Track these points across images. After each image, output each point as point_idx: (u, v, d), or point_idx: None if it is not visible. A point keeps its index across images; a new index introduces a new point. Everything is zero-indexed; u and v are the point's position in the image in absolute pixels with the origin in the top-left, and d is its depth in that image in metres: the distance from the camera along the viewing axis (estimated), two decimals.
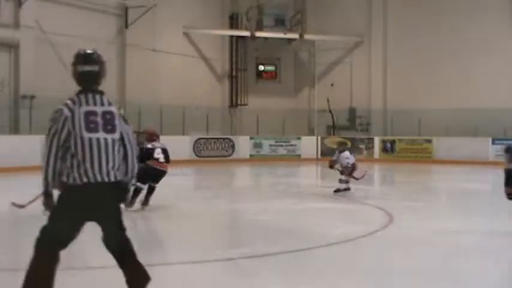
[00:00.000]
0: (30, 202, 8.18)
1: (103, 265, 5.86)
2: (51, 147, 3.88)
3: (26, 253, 6.53)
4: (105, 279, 5.47)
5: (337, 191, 11.82)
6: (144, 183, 9.32)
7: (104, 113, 3.88)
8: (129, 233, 6.48)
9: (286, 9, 27.17)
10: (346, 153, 11.97)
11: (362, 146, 25.13)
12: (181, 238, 7.44)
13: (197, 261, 5.92)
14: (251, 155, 24.41)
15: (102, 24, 21.52)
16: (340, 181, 11.86)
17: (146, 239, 7.15)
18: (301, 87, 28.54)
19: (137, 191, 9.18)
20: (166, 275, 5.50)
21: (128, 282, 4.24)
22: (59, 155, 3.89)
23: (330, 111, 26.43)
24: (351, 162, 11.82)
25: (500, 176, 8.40)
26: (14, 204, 8.50)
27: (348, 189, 11.89)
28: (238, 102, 26.88)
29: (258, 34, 26.06)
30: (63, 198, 4.00)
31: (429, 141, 24.06)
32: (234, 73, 26.95)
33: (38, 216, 9.03)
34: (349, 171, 11.81)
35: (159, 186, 12.85)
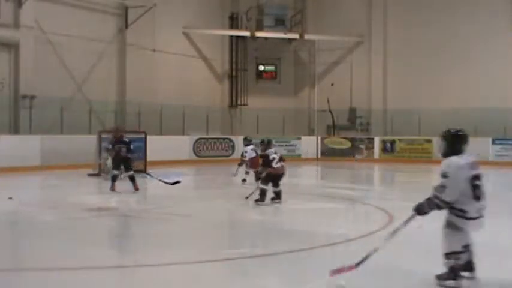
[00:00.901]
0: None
1: (98, 265, 5.86)
2: None
3: (26, 253, 6.55)
4: (101, 278, 5.47)
5: (243, 180, 13.85)
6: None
7: None
8: (130, 233, 6.48)
9: (286, 9, 27.16)
10: (246, 148, 14.10)
11: (362, 146, 25.14)
12: (181, 238, 7.43)
13: (197, 261, 5.92)
14: None
15: (102, 24, 21.51)
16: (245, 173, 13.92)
17: (146, 239, 7.15)
18: (301, 87, 28.54)
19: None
20: (166, 275, 5.50)
21: None
22: None
23: (330, 111, 26.43)
24: (248, 157, 13.75)
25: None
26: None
27: (244, 180, 13.79)
28: (238, 102, 26.88)
29: (258, 34, 26.05)
30: None
31: (429, 141, 24.04)
32: (234, 73, 26.94)
33: (37, 217, 9.03)
34: (244, 163, 13.89)
35: (159, 187, 12.87)
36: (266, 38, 26.60)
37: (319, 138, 25.83)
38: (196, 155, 22.85)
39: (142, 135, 17.80)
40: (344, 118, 26.67)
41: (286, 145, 25.10)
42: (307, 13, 27.63)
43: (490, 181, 17.77)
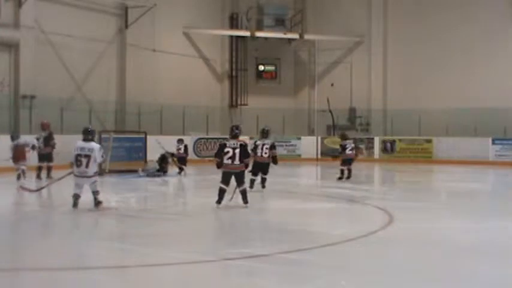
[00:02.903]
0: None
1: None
2: None
3: (26, 253, 6.54)
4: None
5: None
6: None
7: None
8: (130, 233, 6.49)
9: (286, 9, 27.17)
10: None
11: (362, 146, 25.13)
12: (181, 238, 7.44)
13: (197, 261, 5.92)
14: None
15: (102, 24, 21.51)
16: None
17: (146, 239, 7.15)
18: (301, 87, 28.54)
19: None
20: (166, 275, 5.50)
21: None
22: None
23: (330, 111, 26.42)
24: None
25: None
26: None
27: None
28: (238, 102, 26.88)
29: (258, 34, 26.05)
30: None
31: (429, 141, 24.05)
32: (234, 73, 26.93)
33: (37, 217, 9.03)
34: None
35: (159, 187, 12.85)
36: (266, 38, 26.59)
37: (319, 138, 25.82)
38: (197, 155, 22.84)
39: (142, 135, 17.81)
40: (344, 118, 26.66)
41: (286, 145, 25.11)
42: (307, 13, 27.63)
43: (490, 181, 17.82)
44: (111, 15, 22.04)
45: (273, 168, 15.86)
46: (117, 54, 22.22)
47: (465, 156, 22.35)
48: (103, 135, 16.41)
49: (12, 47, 18.60)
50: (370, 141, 25.14)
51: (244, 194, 9.78)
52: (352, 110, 26.75)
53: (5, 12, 18.22)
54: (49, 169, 14.35)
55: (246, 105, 26.70)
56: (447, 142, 23.44)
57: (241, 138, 10.51)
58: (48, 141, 14.46)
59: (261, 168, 12.24)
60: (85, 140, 9.32)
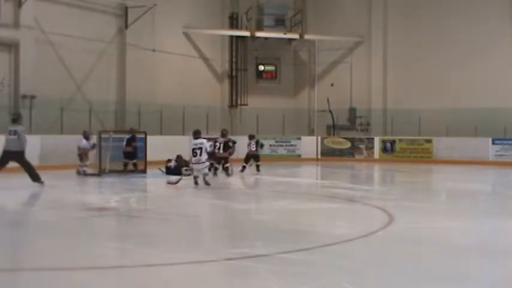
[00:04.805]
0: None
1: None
2: None
3: (26, 253, 6.55)
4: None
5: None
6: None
7: None
8: (130, 233, 6.48)
9: (286, 9, 27.14)
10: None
11: (362, 146, 25.13)
12: (181, 238, 7.44)
13: (197, 261, 5.92)
14: None
15: (102, 24, 21.50)
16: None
17: (146, 239, 7.15)
18: (301, 87, 28.53)
19: None
20: (166, 275, 5.50)
21: None
22: None
23: (330, 111, 26.42)
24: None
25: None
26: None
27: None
28: (238, 102, 26.86)
29: (258, 34, 26.03)
30: None
31: (429, 141, 24.05)
32: (234, 73, 26.91)
33: (37, 217, 9.02)
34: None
35: (159, 187, 12.83)
36: (266, 38, 26.58)
37: (319, 138, 25.82)
38: None
39: (143, 135, 17.80)
40: (344, 118, 26.66)
41: (286, 145, 25.10)
42: (307, 13, 27.61)
43: (490, 181, 17.83)
44: (111, 15, 22.03)
45: (273, 168, 15.81)
46: (117, 54, 22.21)
47: (465, 156, 22.35)
48: (103, 135, 16.40)
49: (12, 47, 18.60)
50: (370, 141, 25.14)
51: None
52: (352, 110, 26.74)
53: (5, 12, 18.20)
54: (135, 165, 16.90)
55: (246, 105, 26.69)
56: (447, 142, 23.44)
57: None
58: (130, 142, 17.04)
59: (251, 157, 17.76)
60: (195, 138, 13.01)
